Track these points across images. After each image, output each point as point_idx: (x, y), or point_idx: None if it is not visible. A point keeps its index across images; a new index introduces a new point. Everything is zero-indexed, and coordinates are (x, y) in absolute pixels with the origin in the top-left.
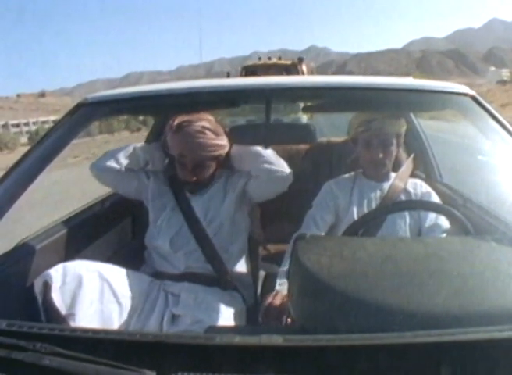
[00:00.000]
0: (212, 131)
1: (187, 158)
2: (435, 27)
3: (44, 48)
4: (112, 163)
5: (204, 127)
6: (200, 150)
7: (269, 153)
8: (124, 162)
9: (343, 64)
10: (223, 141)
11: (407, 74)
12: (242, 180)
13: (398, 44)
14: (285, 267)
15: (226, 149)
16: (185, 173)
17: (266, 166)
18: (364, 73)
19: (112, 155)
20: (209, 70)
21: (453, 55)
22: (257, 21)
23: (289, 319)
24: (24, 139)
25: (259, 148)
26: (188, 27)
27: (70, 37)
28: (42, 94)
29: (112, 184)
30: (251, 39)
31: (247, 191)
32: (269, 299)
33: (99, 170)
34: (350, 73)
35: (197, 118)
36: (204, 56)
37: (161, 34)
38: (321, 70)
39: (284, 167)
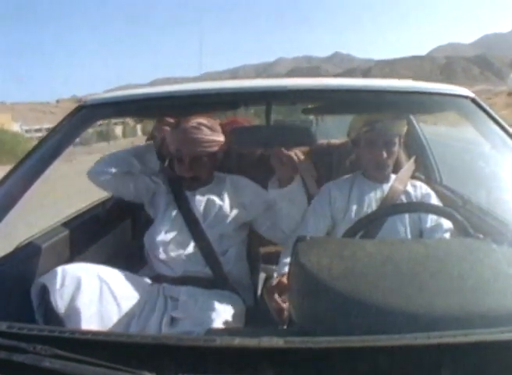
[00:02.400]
0: (208, 127)
1: (184, 153)
2: (461, 33)
3: (75, 55)
4: (107, 168)
5: (200, 124)
6: (197, 145)
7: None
8: (119, 165)
9: (367, 71)
10: (219, 137)
11: (430, 81)
12: (252, 205)
13: (423, 50)
14: (284, 259)
15: (223, 146)
16: (182, 169)
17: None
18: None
19: (107, 159)
20: (234, 76)
21: (479, 61)
22: (281, 27)
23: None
24: None
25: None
26: (213, 34)
27: (99, 43)
28: (79, 100)
29: (110, 188)
30: (276, 45)
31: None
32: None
33: (96, 176)
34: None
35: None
36: (230, 62)
37: (187, 41)
38: (344, 77)
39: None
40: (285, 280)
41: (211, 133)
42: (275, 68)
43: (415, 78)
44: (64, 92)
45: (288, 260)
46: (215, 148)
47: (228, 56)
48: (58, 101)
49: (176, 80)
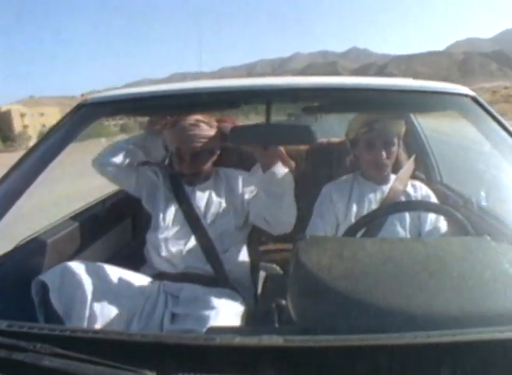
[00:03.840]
0: (206, 123)
1: (184, 150)
2: (481, 28)
3: (94, 50)
4: (111, 158)
5: (197, 120)
6: (196, 141)
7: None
8: (123, 156)
9: (383, 66)
10: (217, 132)
11: (446, 77)
12: (244, 194)
13: (442, 45)
14: None
15: (220, 141)
16: (182, 166)
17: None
18: (404, 75)
19: (112, 149)
20: (250, 71)
21: (497, 57)
22: (298, 22)
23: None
24: None
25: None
26: (230, 29)
27: (119, 38)
28: None
29: (113, 178)
30: (292, 40)
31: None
32: None
33: (100, 165)
34: (390, 75)
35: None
36: (246, 58)
37: (205, 36)
38: (360, 72)
39: (291, 221)
40: None
41: (209, 128)
42: (291, 63)
43: (432, 74)
44: (85, 86)
45: None
46: (214, 144)
47: (245, 51)
48: (82, 95)
49: (193, 75)
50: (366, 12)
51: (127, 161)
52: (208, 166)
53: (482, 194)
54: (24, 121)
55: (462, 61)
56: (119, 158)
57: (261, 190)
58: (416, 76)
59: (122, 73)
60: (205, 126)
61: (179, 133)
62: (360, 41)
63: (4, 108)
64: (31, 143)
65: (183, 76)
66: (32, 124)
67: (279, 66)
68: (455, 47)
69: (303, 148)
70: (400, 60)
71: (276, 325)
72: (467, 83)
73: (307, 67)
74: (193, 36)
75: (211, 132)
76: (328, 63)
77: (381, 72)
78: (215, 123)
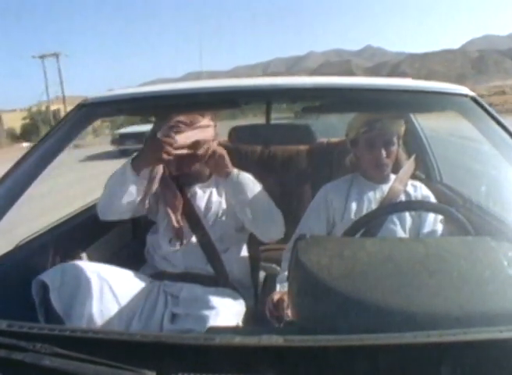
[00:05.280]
0: (186, 124)
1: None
2: (498, 24)
3: (109, 49)
4: (112, 207)
5: (195, 119)
6: (194, 138)
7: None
8: (120, 198)
9: (397, 65)
10: (213, 129)
11: (460, 75)
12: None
13: (458, 42)
14: (284, 272)
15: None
16: (181, 165)
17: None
18: (418, 74)
19: (109, 197)
20: (265, 70)
21: None
22: (312, 21)
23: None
24: None
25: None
26: (245, 28)
27: (134, 37)
28: None
29: (127, 217)
30: (307, 39)
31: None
32: (275, 296)
33: (107, 217)
34: (403, 73)
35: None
36: (261, 56)
37: (220, 35)
38: (374, 71)
39: (278, 227)
40: (285, 297)
41: (206, 127)
42: (305, 62)
43: (446, 72)
44: (101, 86)
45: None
46: (198, 144)
47: (259, 50)
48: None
49: (208, 74)
50: (381, 10)
51: (126, 201)
52: (197, 166)
53: (483, 188)
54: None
55: (477, 59)
56: (121, 204)
57: (233, 200)
58: (430, 75)
59: (137, 73)
60: (203, 127)
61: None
62: (375, 39)
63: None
64: None
65: (198, 76)
66: None
67: (294, 65)
68: (471, 44)
69: (303, 148)
70: (414, 58)
71: (276, 325)
72: (480, 80)
73: (321, 66)
74: (208, 35)
75: (209, 132)
76: (342, 62)
77: (394, 71)
78: (212, 124)
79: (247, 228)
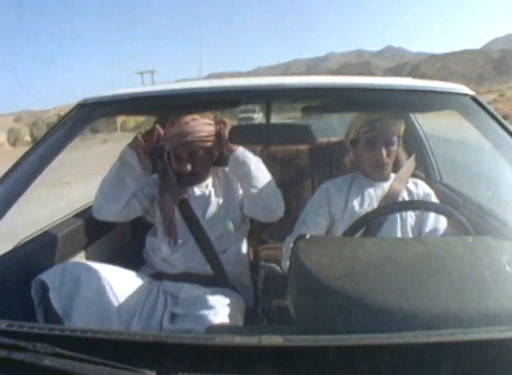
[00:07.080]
0: (203, 122)
1: (182, 149)
2: None
3: (128, 52)
4: (107, 206)
5: (194, 119)
6: (194, 139)
7: (268, 181)
8: (116, 195)
9: (417, 65)
10: (217, 133)
11: (481, 75)
12: (239, 189)
13: (480, 42)
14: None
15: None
16: (181, 166)
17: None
18: (438, 75)
19: (104, 195)
20: (286, 71)
21: None
22: (333, 21)
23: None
24: None
25: (261, 172)
26: (267, 29)
27: (153, 39)
28: None
29: (120, 219)
30: (327, 40)
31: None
32: None
33: (102, 217)
34: (423, 74)
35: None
36: (281, 57)
37: (241, 36)
38: (395, 72)
39: (279, 203)
40: None
41: (206, 127)
42: (325, 63)
43: (466, 73)
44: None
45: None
46: (212, 143)
47: (281, 51)
48: None
49: (229, 75)
50: (402, 10)
51: (123, 200)
52: (206, 165)
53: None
54: None
55: (498, 59)
56: (114, 205)
57: (235, 175)
58: (450, 75)
59: (157, 74)
60: (203, 125)
61: (176, 131)
62: (396, 39)
63: None
64: None
65: (220, 76)
66: None
67: (314, 66)
68: (494, 43)
69: (303, 147)
70: (435, 59)
71: (276, 325)
72: (500, 81)
73: (341, 67)
74: (229, 36)
75: (209, 131)
76: (362, 63)
77: (414, 71)
78: (212, 122)
79: (247, 212)
